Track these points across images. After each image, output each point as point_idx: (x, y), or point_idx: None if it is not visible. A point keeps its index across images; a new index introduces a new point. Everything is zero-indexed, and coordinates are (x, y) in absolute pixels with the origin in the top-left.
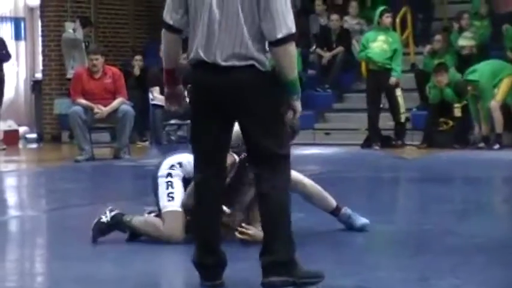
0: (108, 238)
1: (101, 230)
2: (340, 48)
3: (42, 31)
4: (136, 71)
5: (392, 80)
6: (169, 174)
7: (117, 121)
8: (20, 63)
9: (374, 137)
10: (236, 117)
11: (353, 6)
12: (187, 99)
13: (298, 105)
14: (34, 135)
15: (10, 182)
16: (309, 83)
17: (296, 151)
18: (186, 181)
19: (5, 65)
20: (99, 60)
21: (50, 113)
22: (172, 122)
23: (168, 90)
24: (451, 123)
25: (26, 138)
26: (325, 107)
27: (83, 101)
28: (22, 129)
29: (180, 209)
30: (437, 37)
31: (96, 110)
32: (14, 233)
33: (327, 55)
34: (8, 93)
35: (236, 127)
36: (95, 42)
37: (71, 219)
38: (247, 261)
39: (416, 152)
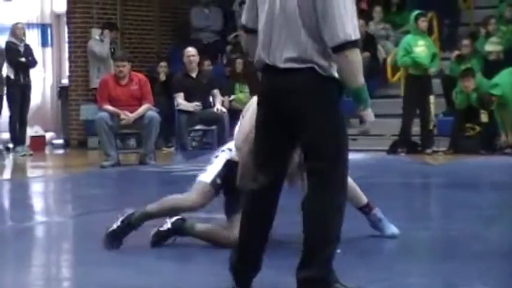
0: (132, 244)
1: (161, 238)
2: (365, 54)
3: (69, 37)
4: (162, 77)
5: (432, 70)
6: (216, 156)
7: (143, 127)
8: (46, 69)
9: (403, 143)
10: (293, 121)
11: (377, 11)
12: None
13: (365, 115)
14: (60, 141)
15: (36, 187)
16: None
17: None
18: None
19: (32, 71)
20: (126, 67)
21: (76, 118)
22: (198, 127)
23: None
24: (477, 128)
25: (52, 144)
26: (350, 113)
27: (109, 107)
28: (49, 135)
29: (205, 181)
30: (465, 42)
31: (122, 116)
32: (40, 239)
33: None
34: (35, 99)
35: None
36: (120, 48)
37: (97, 225)
38: (276, 269)
39: (443, 158)
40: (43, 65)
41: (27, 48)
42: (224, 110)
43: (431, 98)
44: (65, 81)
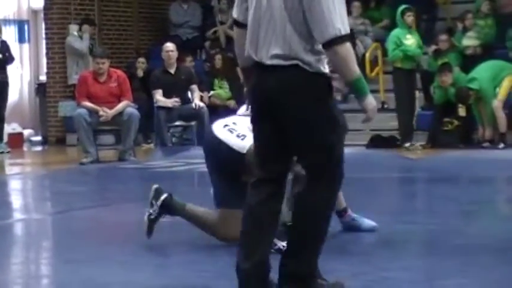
0: (116, 240)
1: (154, 222)
2: None
3: (46, 34)
4: (140, 74)
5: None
6: (225, 125)
7: (122, 123)
8: (24, 66)
9: (409, 136)
10: (282, 118)
11: (356, 6)
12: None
13: (367, 104)
14: (39, 138)
15: (15, 185)
16: None
17: None
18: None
19: (9, 68)
20: (106, 64)
21: (54, 115)
22: (177, 123)
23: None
24: (456, 122)
25: (30, 141)
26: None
27: (88, 104)
28: (27, 132)
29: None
30: (443, 37)
31: (101, 113)
32: (19, 236)
33: None
34: (12, 96)
35: None
36: (99, 44)
37: (76, 221)
38: None
39: (422, 153)
40: (20, 62)
41: (4, 44)
42: (202, 105)
43: (417, 92)
44: (43, 77)
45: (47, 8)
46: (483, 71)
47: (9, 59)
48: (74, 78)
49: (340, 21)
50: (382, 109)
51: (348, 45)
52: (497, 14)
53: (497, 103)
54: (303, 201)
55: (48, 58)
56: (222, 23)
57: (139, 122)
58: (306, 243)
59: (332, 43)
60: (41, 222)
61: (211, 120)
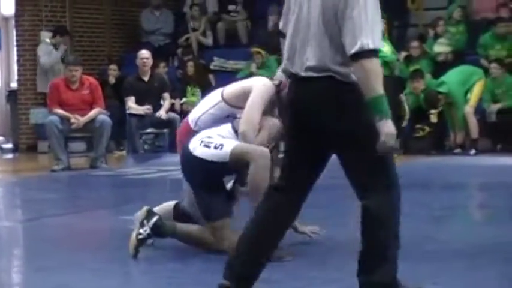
0: (88, 247)
1: (142, 243)
2: None
3: (17, 41)
4: (112, 81)
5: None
6: (201, 142)
7: (94, 130)
8: None
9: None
10: (317, 131)
11: None
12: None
13: (382, 126)
14: (10, 145)
15: None
16: None
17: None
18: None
19: None
20: (78, 71)
21: (25, 122)
22: (149, 130)
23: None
24: (427, 129)
25: (1, 149)
26: None
27: (59, 111)
28: None
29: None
30: (414, 43)
31: (72, 120)
32: None
33: None
34: None
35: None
36: (70, 51)
37: (48, 229)
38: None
39: (394, 159)
40: None
41: None
42: (166, 116)
43: (402, 97)
44: (14, 84)
45: (18, 15)
46: (453, 76)
47: None
48: (43, 87)
49: (370, 36)
50: None
51: (375, 60)
52: (469, 21)
53: (469, 109)
54: (367, 214)
55: (19, 65)
56: (194, 29)
57: (111, 129)
58: (379, 254)
59: (359, 56)
60: (12, 230)
61: None
